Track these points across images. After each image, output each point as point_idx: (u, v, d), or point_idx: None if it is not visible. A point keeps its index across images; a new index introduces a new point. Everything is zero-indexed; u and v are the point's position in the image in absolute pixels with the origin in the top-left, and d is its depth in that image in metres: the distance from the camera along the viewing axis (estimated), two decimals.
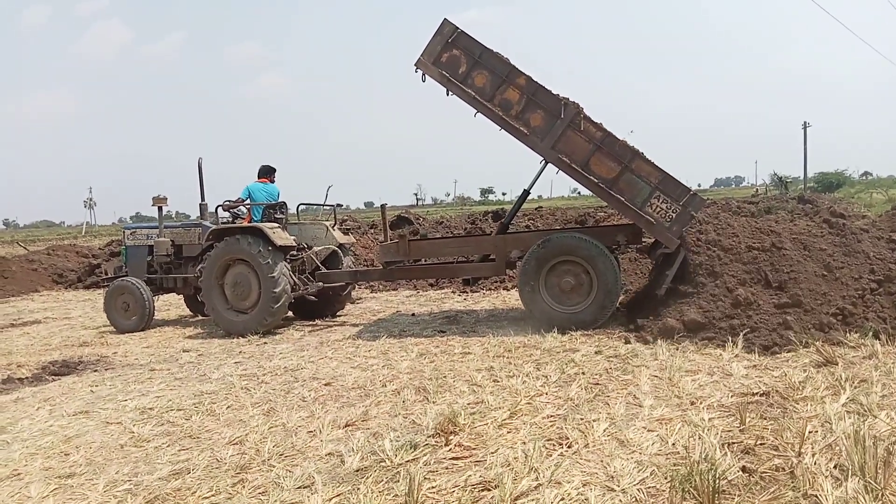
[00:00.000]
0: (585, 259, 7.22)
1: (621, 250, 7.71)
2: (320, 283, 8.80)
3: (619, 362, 5.61)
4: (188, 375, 6.11)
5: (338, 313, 9.56)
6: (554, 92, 7.34)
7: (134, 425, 4.60)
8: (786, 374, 4.89)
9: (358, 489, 3.29)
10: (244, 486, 3.45)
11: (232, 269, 8.25)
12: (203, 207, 9.32)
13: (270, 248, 7.97)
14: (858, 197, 32.56)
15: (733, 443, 3.63)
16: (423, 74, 7.62)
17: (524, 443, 3.80)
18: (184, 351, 7.36)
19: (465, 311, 9.21)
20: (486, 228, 15.16)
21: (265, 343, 7.58)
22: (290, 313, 8.84)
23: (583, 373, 5.29)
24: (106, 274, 10.03)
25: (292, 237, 8.49)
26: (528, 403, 4.55)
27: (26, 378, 6.35)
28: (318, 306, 9.26)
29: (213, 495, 3.36)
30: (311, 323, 9.01)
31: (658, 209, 7.07)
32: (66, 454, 4.11)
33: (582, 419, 4.18)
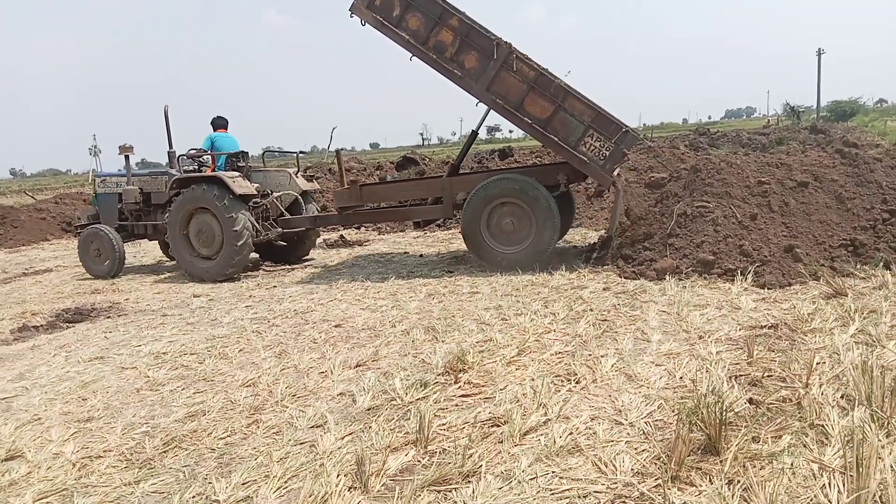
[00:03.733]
0: (523, 200, 7.25)
1: (563, 188, 7.72)
2: (280, 230, 8.90)
3: (627, 298, 5.62)
4: (200, 320, 6.17)
5: (304, 257, 9.79)
6: (488, 31, 7.20)
7: (149, 370, 4.67)
8: (794, 307, 4.88)
9: (370, 427, 3.34)
10: (258, 427, 3.51)
11: (196, 217, 8.46)
12: (171, 155, 9.44)
13: (231, 196, 8.12)
14: (872, 125, 31.97)
15: (740, 375, 3.66)
16: (362, 19, 7.50)
17: (532, 379, 3.84)
18: (194, 296, 7.42)
19: None
20: (492, 167, 15.00)
21: (275, 287, 7.63)
22: (256, 255, 9.34)
23: (591, 309, 5.31)
24: (80, 221, 10.36)
25: (255, 185, 8.72)
26: (537, 341, 4.59)
27: (41, 326, 6.44)
28: (285, 251, 9.44)
29: (228, 436, 3.43)
30: (316, 266, 9.05)
31: (592, 147, 7.06)
32: (83, 399, 4.19)
33: (590, 355, 4.21)
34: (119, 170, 9.97)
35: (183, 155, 9.36)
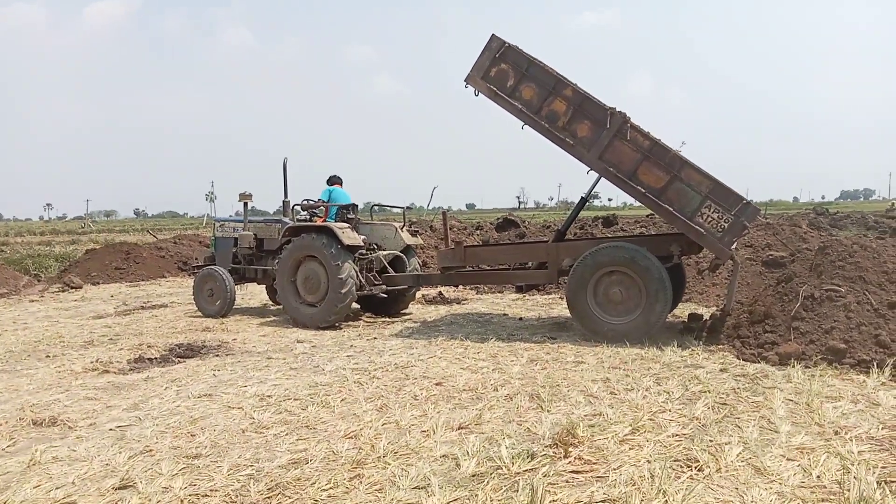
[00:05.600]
0: (634, 270, 7.00)
1: (677, 261, 7.42)
2: (384, 286, 9.07)
3: (747, 382, 5.23)
4: (303, 366, 6.25)
5: (402, 311, 9.87)
6: (600, 101, 7.21)
7: (254, 411, 4.73)
8: None
9: (476, 495, 3.19)
10: (361, 482, 3.43)
11: (304, 265, 8.72)
12: (286, 204, 9.91)
13: (339, 246, 8.36)
14: None
15: (891, 481, 3.26)
16: (476, 90, 7.70)
17: (649, 461, 3.58)
18: (298, 342, 7.57)
19: None
20: (596, 234, 14.75)
21: (375, 339, 7.67)
22: (357, 306, 9.59)
23: (708, 391, 4.96)
24: (197, 262, 11.02)
25: (362, 237, 8.94)
26: (651, 420, 4.31)
27: (155, 359, 6.72)
28: (385, 303, 9.62)
29: (331, 488, 3.36)
30: (414, 321, 9.06)
31: (709, 219, 6.79)
32: (192, 435, 4.27)
33: (711, 441, 3.90)
34: (235, 215, 10.51)
35: (297, 205, 9.77)
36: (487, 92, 7.65)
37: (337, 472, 3.55)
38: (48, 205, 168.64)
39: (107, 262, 16.04)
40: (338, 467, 3.63)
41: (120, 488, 3.43)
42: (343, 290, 8.29)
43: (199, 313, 9.76)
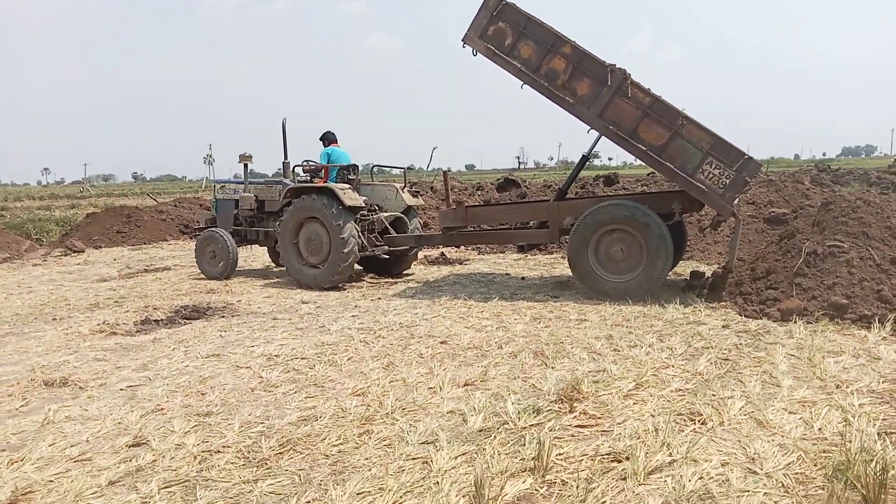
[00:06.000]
0: (635, 228, 7.01)
1: (678, 218, 7.44)
2: (385, 246, 9.10)
3: (749, 338, 5.28)
4: (308, 326, 6.31)
5: (404, 271, 9.93)
6: (600, 58, 7.14)
7: (262, 370, 4.79)
8: None
9: (484, 449, 3.25)
10: (370, 438, 3.49)
11: (306, 226, 8.75)
12: (285, 166, 9.89)
13: (340, 207, 8.40)
14: None
15: (891, 432, 3.32)
16: (474, 49, 7.62)
17: (653, 415, 3.64)
18: (303, 302, 7.62)
19: None
20: (598, 193, 14.71)
21: (379, 299, 7.72)
22: (360, 268, 9.66)
23: (710, 347, 5.02)
24: (198, 224, 11.07)
25: (363, 198, 9.01)
26: (654, 375, 4.36)
27: (161, 320, 6.77)
28: (387, 264, 9.61)
29: (341, 443, 3.43)
30: (417, 281, 9.10)
31: (710, 175, 6.75)
32: (202, 393, 4.33)
33: (714, 395, 3.95)
34: (234, 177, 10.48)
35: (298, 166, 9.74)
36: (485, 51, 7.57)
37: (346, 429, 3.61)
38: (45, 169, 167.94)
39: (108, 225, 16.03)
40: (347, 424, 3.70)
41: (133, 445, 3.49)
42: (345, 251, 8.32)
43: (203, 276, 9.79)
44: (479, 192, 17.91)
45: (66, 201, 37.13)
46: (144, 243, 15.64)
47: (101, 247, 14.86)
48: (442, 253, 11.59)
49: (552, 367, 4.65)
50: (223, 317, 6.92)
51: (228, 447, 3.43)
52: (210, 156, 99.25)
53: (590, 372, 4.48)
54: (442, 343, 5.46)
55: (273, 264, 10.94)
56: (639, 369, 4.48)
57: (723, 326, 5.69)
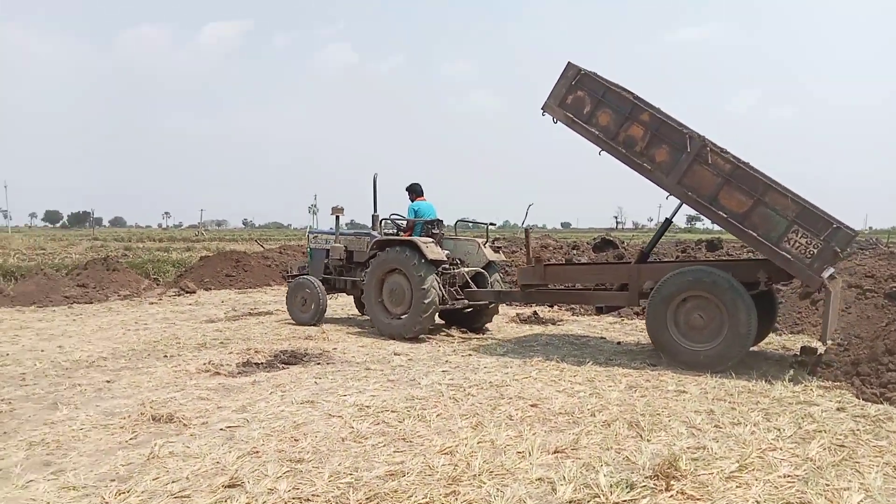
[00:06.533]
0: (716, 295, 6.79)
1: (764, 288, 7.02)
2: (466, 301, 9.25)
3: (868, 424, 4.86)
4: (400, 378, 6.37)
5: (484, 325, 9.92)
6: (680, 125, 7.03)
7: (353, 420, 4.86)
8: None
9: None
10: (456, 499, 3.45)
11: (390, 277, 9.08)
12: (374, 219, 10.25)
13: (423, 260, 8.62)
14: None
15: None
16: (554, 117, 7.75)
17: (759, 502, 3.40)
18: (395, 354, 7.72)
19: None
20: (699, 258, 14.21)
21: (470, 355, 7.71)
22: (442, 322, 9.82)
23: (823, 431, 4.66)
24: (290, 271, 11.64)
25: (445, 252, 9.23)
26: (760, 457, 4.09)
27: (261, 363, 7.03)
28: (467, 317, 9.78)
29: (427, 502, 3.41)
30: (508, 340, 9.03)
31: (797, 244, 6.44)
32: (295, 439, 4.44)
33: (828, 485, 3.65)
34: (329, 228, 11.01)
35: (385, 219, 10.14)
36: (564, 119, 7.72)
37: (433, 488, 3.59)
38: (166, 213, 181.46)
39: (218, 268, 16.98)
40: (434, 482, 3.67)
41: (229, 486, 3.61)
42: (426, 302, 8.55)
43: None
44: (574, 252, 17.70)
45: (182, 244, 39.72)
46: (250, 287, 16.42)
47: (210, 288, 15.73)
48: (535, 312, 11.47)
49: (647, 440, 4.46)
50: (319, 364, 7.11)
51: (318, 496, 3.48)
52: (315, 205, 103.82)
53: (688, 448, 4.26)
54: (532, 406, 5.36)
55: (359, 313, 11.21)
56: (742, 449, 4.22)
57: (837, 409, 5.28)
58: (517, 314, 11.34)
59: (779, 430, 4.68)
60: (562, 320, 11.16)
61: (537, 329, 10.22)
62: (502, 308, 12.57)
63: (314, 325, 9.89)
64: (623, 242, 19.79)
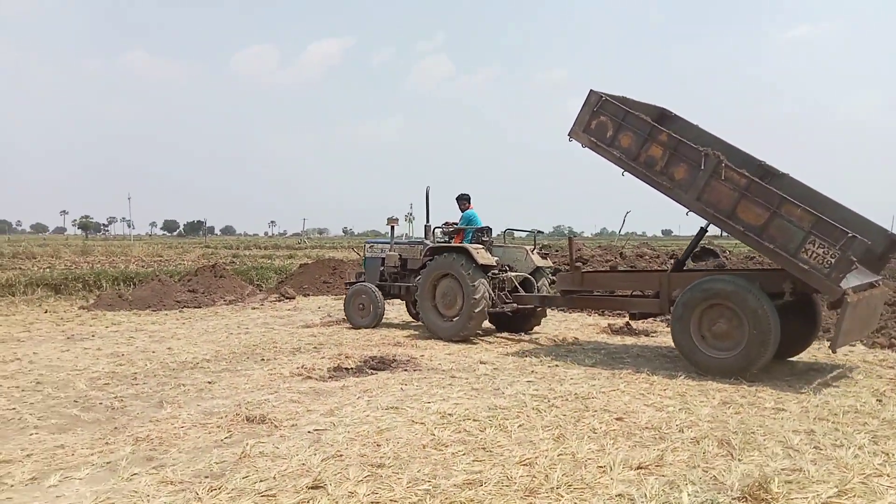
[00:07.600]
0: (737, 304, 6.91)
1: (789, 297, 6.94)
2: (514, 304, 9.69)
3: None
4: (484, 387, 6.39)
5: (532, 329, 10.40)
6: (695, 144, 7.41)
7: (435, 428, 4.92)
8: None
9: None
10: None
11: (442, 282, 9.55)
12: (427, 228, 10.82)
13: (474, 265, 9.12)
14: None
15: None
16: (581, 143, 8.18)
17: None
18: (481, 363, 7.75)
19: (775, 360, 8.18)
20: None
21: (557, 366, 7.62)
22: (492, 326, 10.45)
23: None
24: (348, 279, 12.50)
25: (495, 258, 9.66)
26: (863, 483, 3.82)
27: (351, 368, 7.25)
28: (514, 321, 10.23)
29: None
30: (598, 351, 8.85)
31: (814, 255, 6.42)
32: (378, 445, 4.55)
33: None
34: (386, 238, 11.51)
35: (438, 227, 10.73)
36: (589, 143, 8.09)
37: (509, 499, 3.59)
38: (272, 222, 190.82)
39: (316, 275, 17.64)
40: (510, 493, 3.67)
41: (312, 488, 3.75)
42: (476, 306, 8.96)
43: (392, 328, 10.39)
44: (671, 261, 17.09)
45: (285, 251, 41.48)
46: (345, 294, 16.89)
47: (309, 295, 16.36)
48: (627, 323, 11.17)
49: (738, 460, 4.26)
50: (406, 370, 7.24)
51: (395, 501, 3.56)
52: (411, 214, 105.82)
53: (783, 470, 4.04)
54: (617, 419, 5.24)
55: (411, 319, 11.65)
56: (843, 474, 3.95)
57: None
58: (609, 325, 11.09)
59: (887, 454, 4.35)
60: (655, 332, 10.82)
61: (629, 340, 9.97)
62: (593, 318, 12.40)
63: (373, 328, 10.48)
64: (725, 251, 18.92)
